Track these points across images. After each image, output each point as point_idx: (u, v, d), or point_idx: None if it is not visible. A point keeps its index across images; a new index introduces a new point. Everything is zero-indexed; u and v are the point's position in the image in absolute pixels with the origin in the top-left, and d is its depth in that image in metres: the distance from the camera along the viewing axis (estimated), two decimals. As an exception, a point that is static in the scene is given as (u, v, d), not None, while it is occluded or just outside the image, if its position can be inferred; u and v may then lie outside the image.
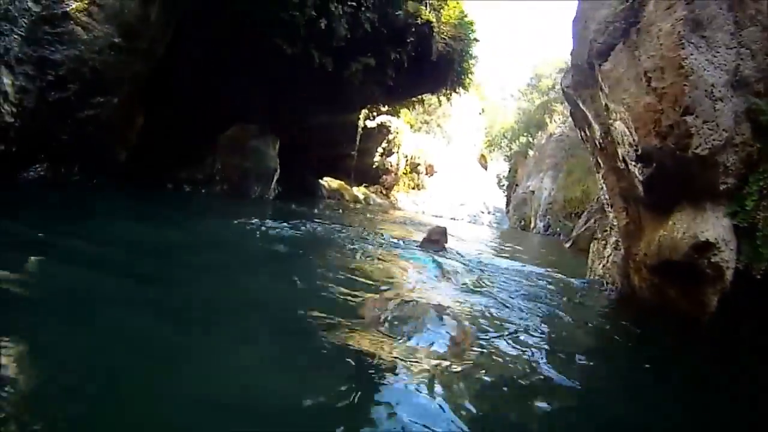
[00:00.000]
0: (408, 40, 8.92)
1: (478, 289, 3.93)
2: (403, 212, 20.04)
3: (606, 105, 4.15)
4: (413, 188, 25.61)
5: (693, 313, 3.41)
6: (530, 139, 29.85)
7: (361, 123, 18.79)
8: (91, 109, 6.55)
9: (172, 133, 8.26)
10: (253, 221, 6.02)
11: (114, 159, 7.36)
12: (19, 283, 2.46)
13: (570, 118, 25.08)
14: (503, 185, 33.29)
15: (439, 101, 12.83)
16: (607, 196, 4.74)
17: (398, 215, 15.81)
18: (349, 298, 3.11)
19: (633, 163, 3.75)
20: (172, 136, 8.26)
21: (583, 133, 6.19)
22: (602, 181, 4.94)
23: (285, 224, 6.20)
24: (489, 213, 29.14)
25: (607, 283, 4.45)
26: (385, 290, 3.50)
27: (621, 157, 4.19)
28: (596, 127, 5.08)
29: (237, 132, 9.74)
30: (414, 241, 6.49)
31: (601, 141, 5.04)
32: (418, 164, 25.67)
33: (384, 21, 8.62)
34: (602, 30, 3.94)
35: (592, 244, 5.80)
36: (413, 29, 8.89)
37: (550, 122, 27.70)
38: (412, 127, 26.07)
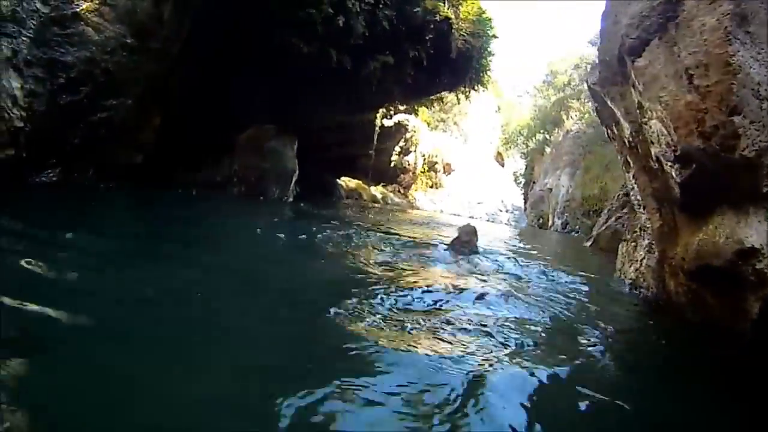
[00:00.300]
0: (427, 38, 8.80)
1: (513, 294, 3.79)
2: (421, 211, 19.94)
3: (639, 103, 3.99)
4: (431, 187, 25.50)
5: (732, 320, 3.26)
6: (547, 136, 29.50)
7: (378, 122, 18.70)
8: (104, 112, 6.53)
9: (189, 134, 8.27)
10: (271, 222, 5.98)
11: (129, 162, 7.36)
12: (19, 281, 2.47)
13: (587, 115, 24.75)
14: (520, 183, 32.96)
15: (458, 98, 12.67)
16: (639, 197, 4.58)
17: (417, 215, 15.70)
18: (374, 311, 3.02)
19: (669, 163, 3.59)
20: (188, 138, 8.27)
21: (609, 131, 6.01)
22: (633, 181, 4.77)
23: (306, 227, 6.15)
24: (507, 211, 28.87)
25: (640, 288, 4.29)
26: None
27: (654, 157, 4.03)
28: (626, 125, 4.91)
29: (255, 133, 9.72)
30: (442, 243, 6.18)
31: (631, 140, 4.87)
32: (436, 163, 25.55)
33: (402, 18, 8.52)
34: (636, 25, 3.78)
35: (620, 246, 5.63)
36: (432, 26, 8.76)
37: (567, 119, 27.32)
38: (429, 125, 25.93)
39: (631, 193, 4.95)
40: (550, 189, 27.44)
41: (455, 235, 5.91)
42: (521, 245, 10.33)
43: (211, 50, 7.98)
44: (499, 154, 36.66)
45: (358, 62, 8.85)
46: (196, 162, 8.81)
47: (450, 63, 9.55)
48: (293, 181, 10.12)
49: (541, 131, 30.21)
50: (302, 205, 9.62)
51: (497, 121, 36.17)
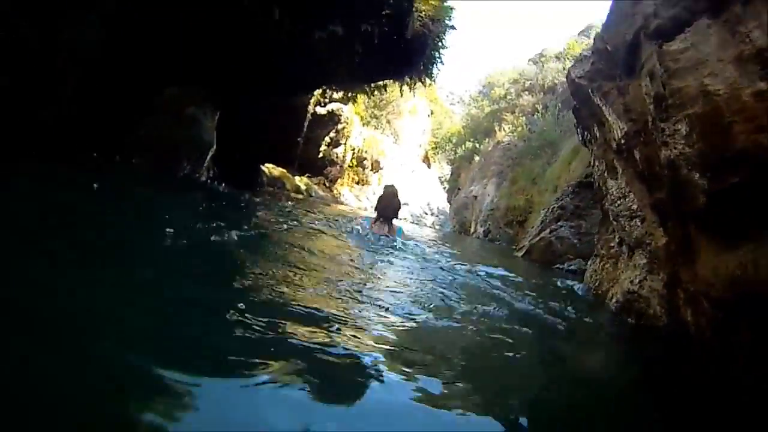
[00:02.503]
0: (383, 12, 7.87)
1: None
2: (346, 207, 19.00)
3: (657, 96, 3.36)
4: (357, 183, 24.57)
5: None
6: (477, 145, 29.93)
7: (311, 108, 17.48)
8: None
9: (103, 91, 6.70)
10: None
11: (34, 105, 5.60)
12: None
13: (519, 128, 25.12)
14: (445, 188, 33.15)
15: (401, 90, 11.88)
16: (633, 207, 3.99)
17: (341, 209, 14.74)
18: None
19: (697, 171, 2.98)
20: (102, 96, 6.68)
21: (588, 133, 5.47)
22: (625, 189, 4.20)
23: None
24: (432, 214, 28.75)
25: (640, 314, 3.67)
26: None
27: (666, 162, 3.42)
28: (619, 125, 4.33)
29: (175, 95, 8.17)
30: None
31: (623, 142, 4.29)
32: (365, 158, 24.67)
33: (361, -15, 7.51)
34: (672, 2, 3.15)
35: (591, 261, 5.08)
36: (391, 1, 7.86)
37: (499, 131, 27.84)
38: (362, 119, 25.01)
39: (617, 203, 4.38)
40: (475, 197, 27.80)
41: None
42: (452, 249, 9.74)
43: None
44: (426, 157, 36.72)
45: (303, 29, 7.69)
46: (106, 124, 7.10)
47: (403, 46, 8.67)
48: (209, 157, 8.65)
49: (471, 140, 30.61)
50: (218, 191, 8.00)
51: (428, 124, 36.18)
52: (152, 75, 7.45)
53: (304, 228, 5.78)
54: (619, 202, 4.32)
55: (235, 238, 3.14)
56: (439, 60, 10.51)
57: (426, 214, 28.11)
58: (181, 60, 7.50)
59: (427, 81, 11.10)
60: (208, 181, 8.83)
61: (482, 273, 5.06)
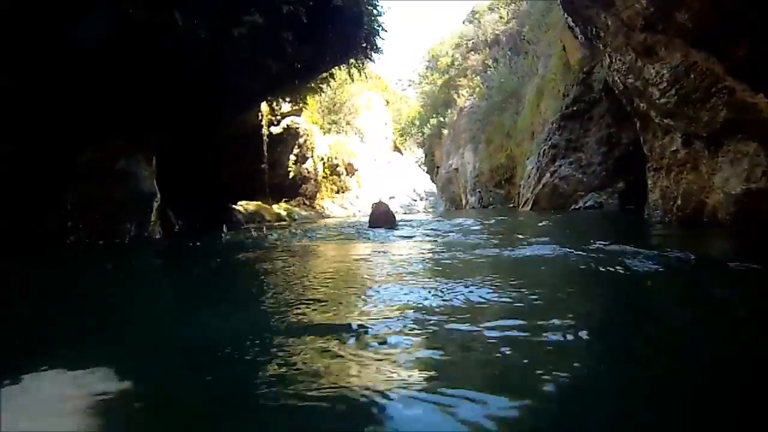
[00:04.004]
0: (304, -11, 6.70)
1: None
2: (334, 219, 17.81)
3: None
4: (337, 192, 23.36)
5: None
6: (441, 119, 29.05)
7: (265, 130, 16.24)
8: None
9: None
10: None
11: None
12: None
13: (477, 89, 24.10)
14: (425, 170, 32.20)
15: (350, 75, 10.74)
16: (705, 82, 2.88)
17: (330, 224, 13.58)
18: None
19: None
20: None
21: (591, 27, 4.38)
22: (685, 63, 3.10)
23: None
24: (422, 199, 27.69)
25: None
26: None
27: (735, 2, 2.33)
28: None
29: (98, 153, 6.91)
30: None
31: (652, 11, 3.20)
32: (337, 165, 23.47)
33: (265, -37, 6.36)
34: None
35: (652, 179, 3.96)
36: (305, -29, 6.70)
37: (458, 97, 26.94)
38: (321, 128, 23.81)
39: (673, 91, 3.26)
40: (456, 169, 26.89)
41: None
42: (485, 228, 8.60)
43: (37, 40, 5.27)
44: (396, 146, 35.73)
45: (218, 31, 6.52)
46: (13, 208, 5.88)
47: (337, 19, 7.52)
48: (154, 210, 7.30)
49: (434, 116, 29.73)
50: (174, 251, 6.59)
51: (388, 114, 35.15)
52: (67, 138, 6.23)
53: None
54: (674, 88, 3.20)
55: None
56: (380, 28, 9.40)
57: (415, 200, 27.03)
58: (97, 112, 6.27)
59: (375, 55, 9.96)
60: (167, 239, 7.57)
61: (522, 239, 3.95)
